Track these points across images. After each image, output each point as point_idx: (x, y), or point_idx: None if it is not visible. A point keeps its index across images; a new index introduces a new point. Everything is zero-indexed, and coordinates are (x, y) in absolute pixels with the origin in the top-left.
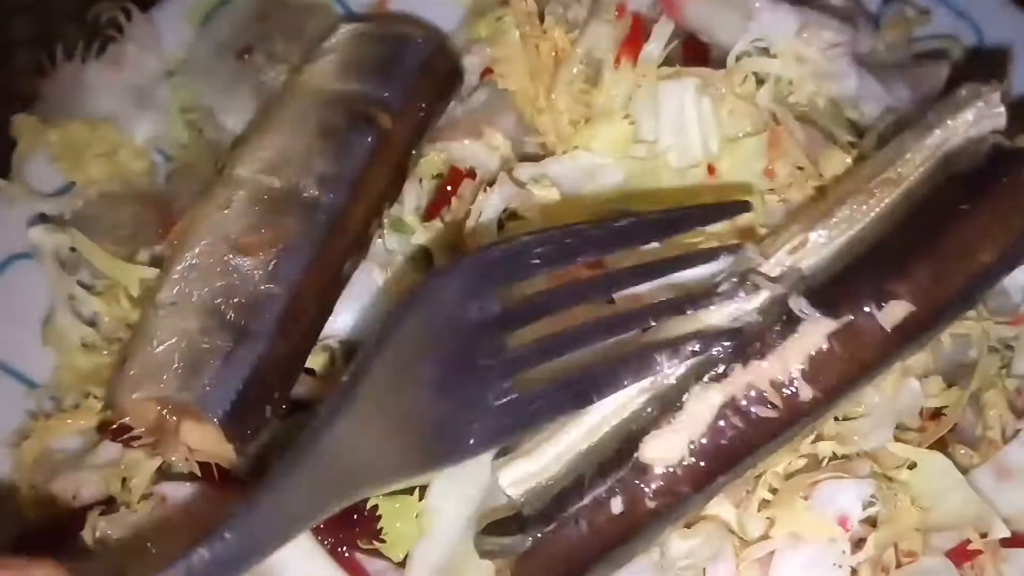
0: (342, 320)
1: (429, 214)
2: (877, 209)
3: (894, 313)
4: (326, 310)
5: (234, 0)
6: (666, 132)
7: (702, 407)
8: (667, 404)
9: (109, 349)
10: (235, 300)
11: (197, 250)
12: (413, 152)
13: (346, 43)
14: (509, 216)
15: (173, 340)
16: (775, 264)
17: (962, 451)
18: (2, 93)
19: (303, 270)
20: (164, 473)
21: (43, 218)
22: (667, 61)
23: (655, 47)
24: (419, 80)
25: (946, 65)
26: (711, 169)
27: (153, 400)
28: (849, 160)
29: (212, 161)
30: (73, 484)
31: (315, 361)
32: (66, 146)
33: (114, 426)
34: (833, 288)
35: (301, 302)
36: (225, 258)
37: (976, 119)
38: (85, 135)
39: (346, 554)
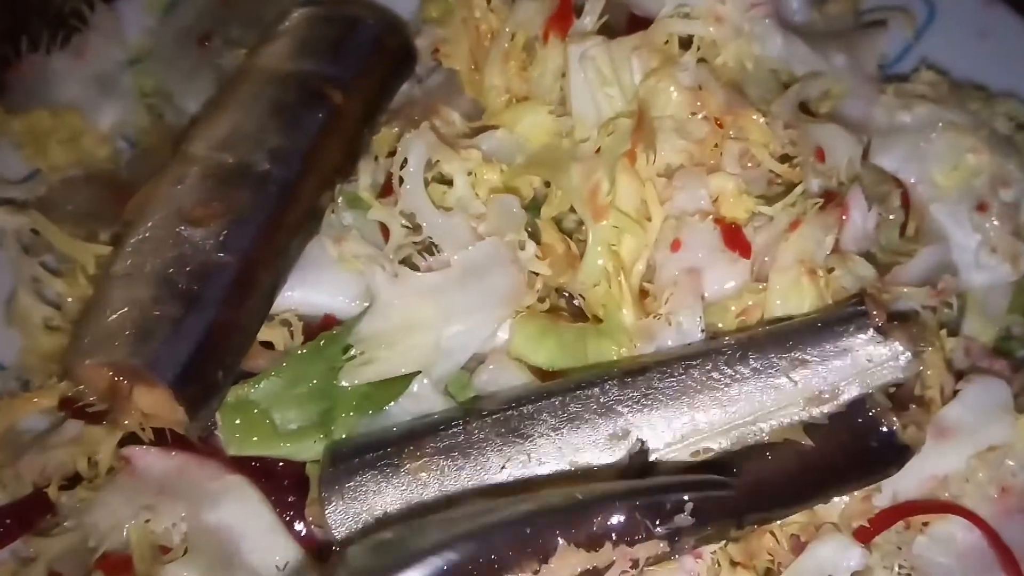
0: (298, 294)
1: (385, 191)
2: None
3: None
4: (279, 280)
5: None
6: (579, 102)
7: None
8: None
9: (72, 330)
10: (186, 269)
11: (150, 223)
12: (366, 129)
13: (299, 24)
14: (436, 178)
15: (125, 309)
16: None
17: None
18: None
19: (254, 240)
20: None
21: (6, 202)
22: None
23: (588, 21)
24: (370, 58)
25: (883, 33)
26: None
27: (105, 366)
28: (760, 119)
29: (172, 145)
30: (39, 463)
31: (274, 335)
32: (30, 134)
33: (70, 401)
34: None
35: (252, 271)
36: (177, 230)
37: (891, 383)
38: (49, 123)
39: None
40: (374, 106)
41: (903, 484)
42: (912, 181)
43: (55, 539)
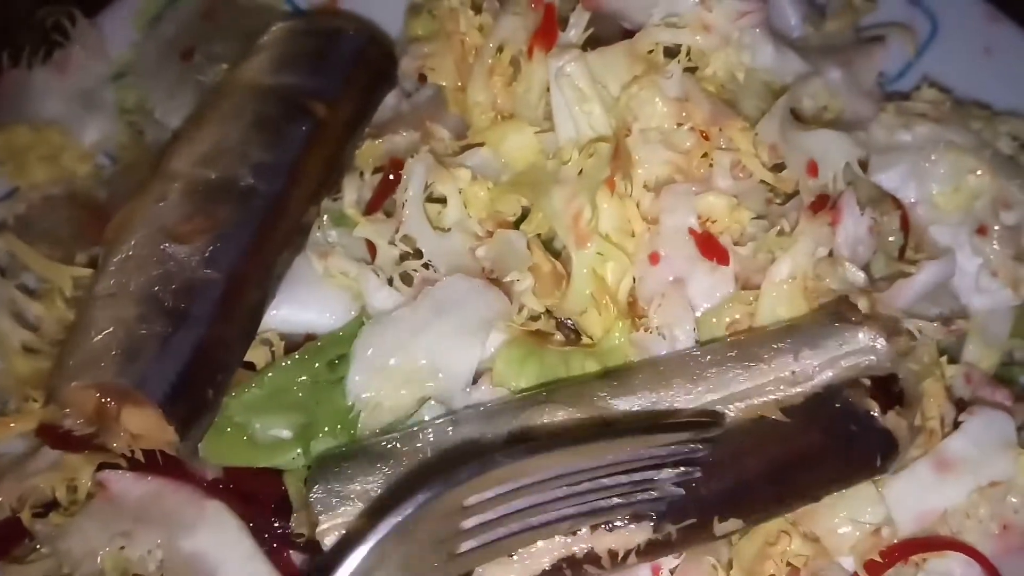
0: (281, 312)
1: (371, 207)
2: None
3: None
4: (266, 296)
5: (181, 1)
6: (560, 120)
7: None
8: None
9: (50, 352)
10: (172, 287)
11: (133, 241)
12: (350, 143)
13: (279, 39)
14: (430, 198)
15: (111, 329)
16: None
17: None
18: None
19: (240, 255)
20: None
21: None
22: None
23: (573, 35)
24: (352, 71)
25: (881, 48)
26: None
27: (92, 387)
28: (744, 127)
29: (153, 161)
30: (17, 489)
31: (255, 355)
32: (9, 149)
33: (50, 430)
34: None
35: (239, 287)
36: (161, 247)
37: (865, 369)
38: (29, 138)
39: (282, 553)
40: (357, 119)
41: (903, 517)
42: (912, 201)
43: (30, 566)
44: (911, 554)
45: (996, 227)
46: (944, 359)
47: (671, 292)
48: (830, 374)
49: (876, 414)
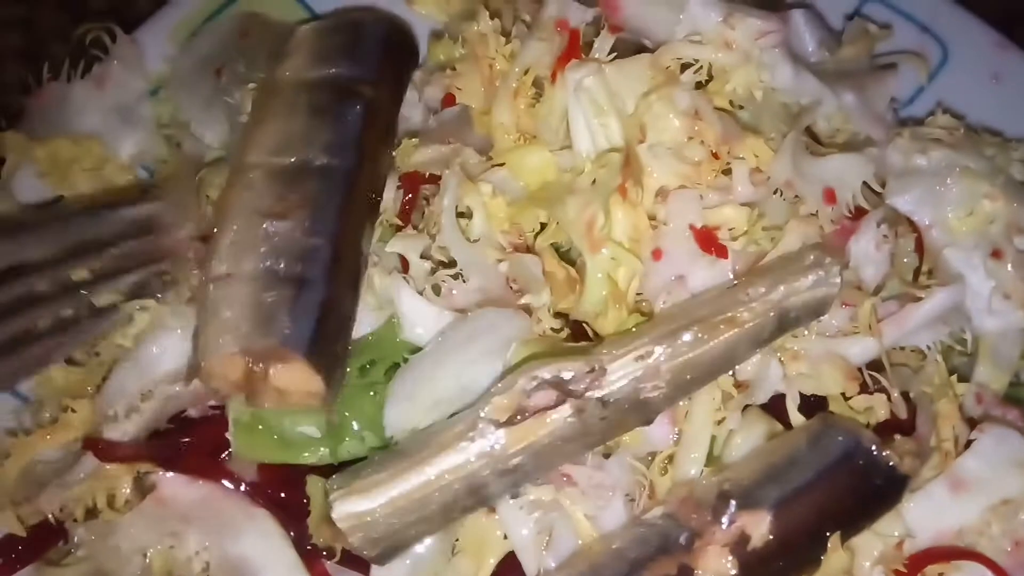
0: None
1: (402, 218)
2: (717, 341)
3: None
4: (362, 259)
5: (217, 18)
6: (576, 133)
7: None
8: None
9: (88, 363)
10: (284, 257)
11: (234, 227)
12: (394, 119)
13: (310, 37)
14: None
15: (239, 303)
16: (619, 367)
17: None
18: None
19: (335, 222)
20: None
21: None
22: None
23: (598, 58)
24: (383, 55)
25: (894, 74)
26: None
27: (238, 354)
28: (764, 146)
29: (191, 175)
30: (59, 498)
31: None
32: (53, 161)
33: (95, 442)
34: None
35: (343, 249)
36: (263, 227)
37: (814, 285)
38: (71, 150)
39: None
40: (397, 95)
41: (922, 536)
42: (926, 224)
43: (67, 569)
44: (935, 562)
45: (1010, 251)
46: (955, 378)
47: (675, 288)
48: (781, 290)
49: (895, 463)
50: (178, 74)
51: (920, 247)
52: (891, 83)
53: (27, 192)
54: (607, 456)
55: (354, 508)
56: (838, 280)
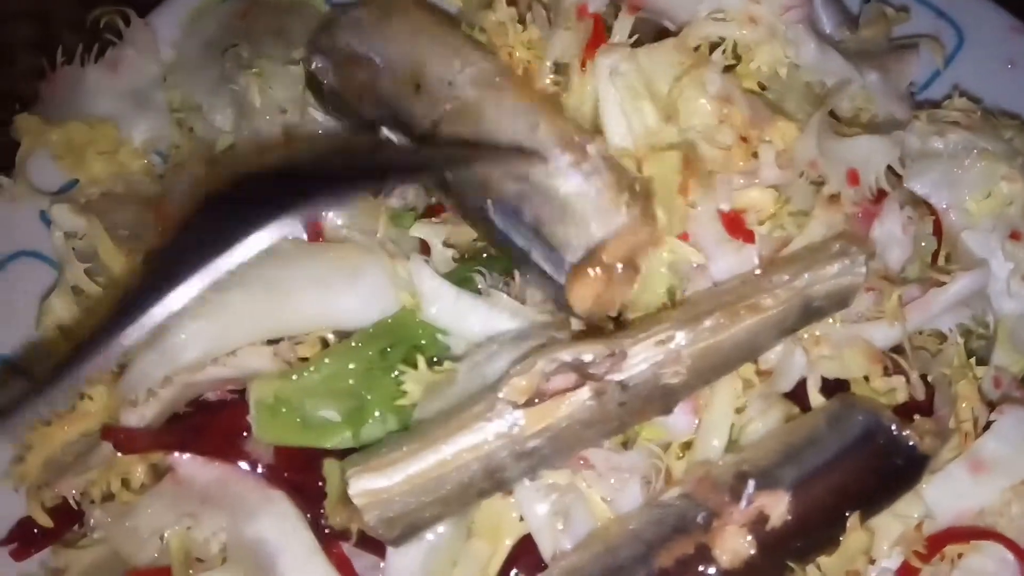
0: (337, 310)
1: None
2: (739, 327)
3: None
4: None
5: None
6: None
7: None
8: None
9: None
10: None
11: None
12: None
13: None
14: None
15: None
16: (640, 351)
17: None
18: (3, 95)
19: None
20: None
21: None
22: None
23: (619, 40)
24: None
25: (915, 55)
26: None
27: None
28: (793, 128)
29: (204, 159)
30: (79, 483)
31: (306, 350)
32: (67, 145)
33: (113, 431)
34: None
35: None
36: None
37: (839, 273)
38: (86, 134)
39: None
40: None
41: (942, 517)
42: (944, 207)
43: (84, 551)
44: (955, 542)
45: None
46: (973, 361)
47: (696, 276)
48: (806, 278)
49: (916, 443)
50: (184, 57)
51: (938, 230)
52: (913, 63)
53: (42, 174)
54: (625, 445)
55: (370, 485)
56: (863, 270)
